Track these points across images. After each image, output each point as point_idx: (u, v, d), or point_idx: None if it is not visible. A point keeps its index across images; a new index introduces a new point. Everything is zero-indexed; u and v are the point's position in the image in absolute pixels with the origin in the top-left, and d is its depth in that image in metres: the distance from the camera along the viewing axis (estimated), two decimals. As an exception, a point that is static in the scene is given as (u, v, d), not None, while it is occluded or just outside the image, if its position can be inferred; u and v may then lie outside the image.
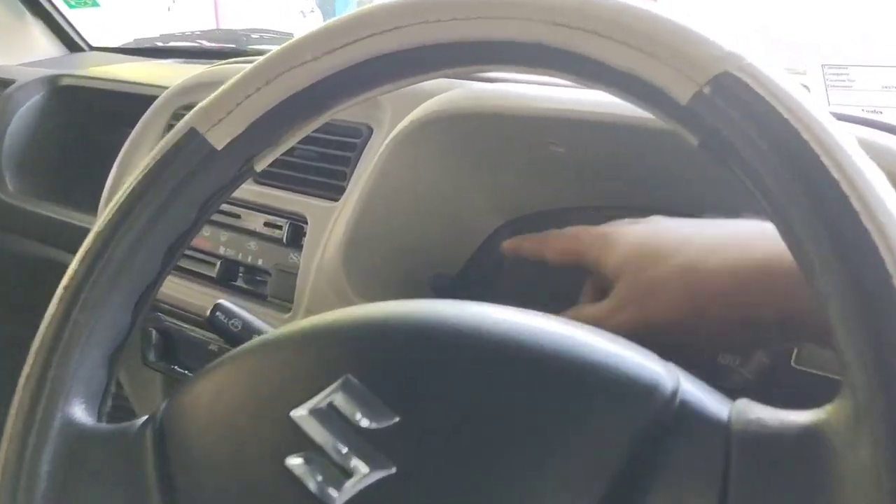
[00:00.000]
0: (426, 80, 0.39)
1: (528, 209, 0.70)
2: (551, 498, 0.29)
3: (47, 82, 1.09)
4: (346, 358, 0.34)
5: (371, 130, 0.65)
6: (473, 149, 0.62)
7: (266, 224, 0.69)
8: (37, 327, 0.42)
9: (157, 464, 0.37)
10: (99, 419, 0.41)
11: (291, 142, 0.43)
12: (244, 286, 0.71)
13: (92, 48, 1.29)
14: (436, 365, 0.33)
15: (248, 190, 0.70)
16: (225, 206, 0.72)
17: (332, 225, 0.61)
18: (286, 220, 0.67)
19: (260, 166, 0.43)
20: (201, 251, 0.72)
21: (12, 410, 0.41)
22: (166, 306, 0.75)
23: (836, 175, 0.27)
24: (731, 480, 0.28)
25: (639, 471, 0.29)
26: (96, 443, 0.40)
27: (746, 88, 0.29)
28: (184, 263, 0.73)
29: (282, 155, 0.68)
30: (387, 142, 0.59)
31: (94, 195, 0.86)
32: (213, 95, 0.41)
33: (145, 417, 0.40)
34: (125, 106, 0.92)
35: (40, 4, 1.22)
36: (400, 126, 0.59)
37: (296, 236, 0.66)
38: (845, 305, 0.26)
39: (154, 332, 0.76)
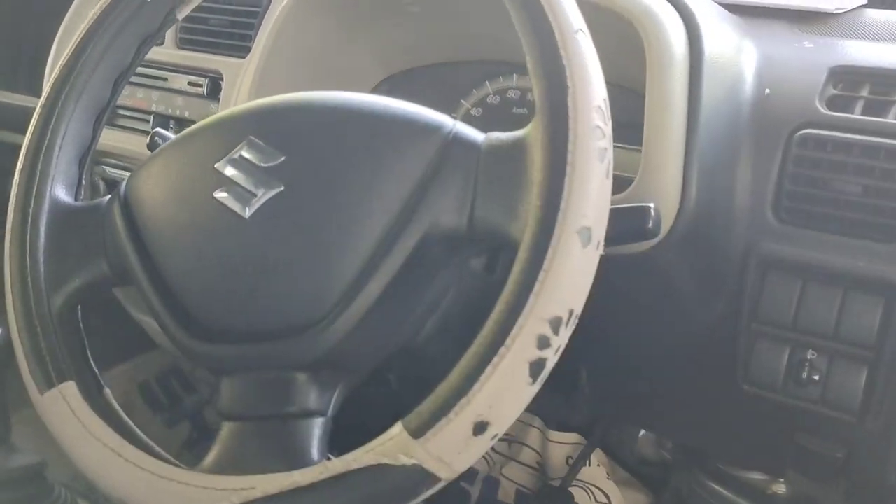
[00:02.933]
0: None
1: (403, 66, 0.87)
2: (368, 204, 0.47)
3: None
4: (248, 126, 0.51)
5: (270, 0, 0.81)
6: (351, 12, 0.78)
7: (189, 83, 0.85)
8: None
9: (125, 223, 0.53)
10: (76, 201, 0.58)
11: None
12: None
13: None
14: (306, 124, 0.50)
15: (173, 54, 0.85)
16: (154, 71, 0.87)
17: (242, 77, 0.78)
18: (206, 78, 0.83)
19: (181, 15, 0.59)
20: (137, 109, 0.88)
21: (12, 194, 0.56)
22: (112, 159, 0.90)
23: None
24: (479, 176, 0.46)
25: (425, 186, 0.47)
26: (77, 215, 0.56)
27: None
28: (123, 122, 0.89)
29: (199, 24, 0.85)
30: (281, 6, 0.76)
31: (35, 79, 0.99)
32: None
33: (109, 196, 0.56)
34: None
35: None
36: (290, -7, 0.76)
37: (214, 90, 0.82)
38: (532, 62, 0.44)
39: (101, 181, 0.92)
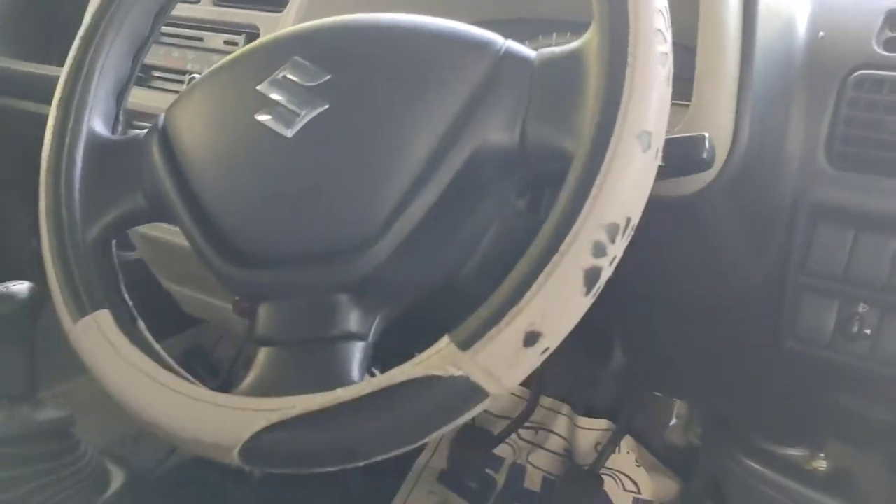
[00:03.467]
0: None
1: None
2: (415, 122, 0.46)
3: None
4: (292, 47, 0.50)
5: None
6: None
7: (225, 42, 0.84)
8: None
9: (163, 154, 0.52)
10: (113, 133, 0.57)
11: None
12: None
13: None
14: (351, 42, 0.49)
15: (210, 10, 0.85)
16: (190, 32, 0.87)
17: (279, 30, 0.77)
18: (242, 34, 0.82)
19: None
20: (172, 70, 0.87)
21: (49, 125, 0.56)
22: (146, 122, 0.90)
23: None
24: (532, 90, 0.45)
25: (475, 103, 0.46)
26: (114, 147, 0.55)
27: None
28: (158, 84, 0.88)
29: None
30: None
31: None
32: None
33: (148, 128, 0.55)
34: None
35: None
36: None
37: (250, 45, 0.81)
38: None
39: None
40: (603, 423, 1.22)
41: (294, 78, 0.48)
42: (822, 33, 0.62)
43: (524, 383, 1.26)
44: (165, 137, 0.53)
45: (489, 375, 0.39)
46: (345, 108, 0.47)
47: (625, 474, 1.19)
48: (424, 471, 1.28)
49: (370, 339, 0.47)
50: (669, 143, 0.46)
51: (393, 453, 0.41)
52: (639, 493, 1.18)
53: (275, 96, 0.48)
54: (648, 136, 0.40)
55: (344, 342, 0.46)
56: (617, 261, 0.40)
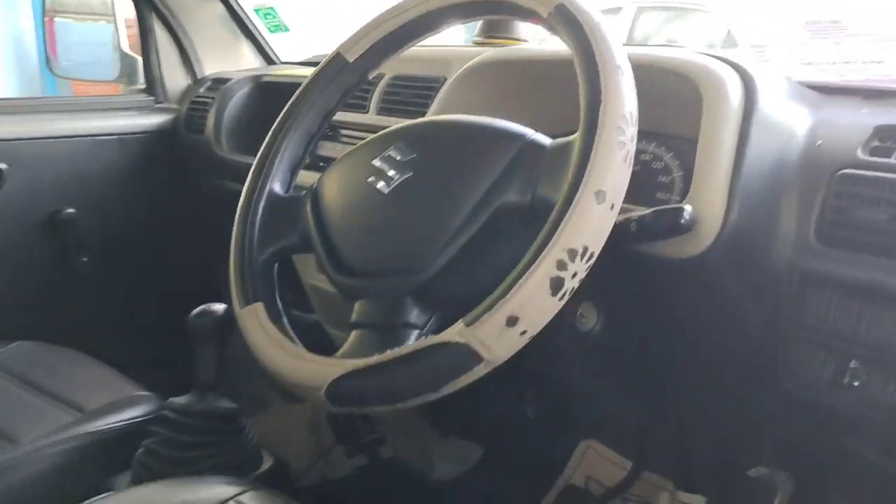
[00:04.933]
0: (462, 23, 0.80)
1: (547, 131, 1.08)
2: (465, 187, 0.68)
3: (252, 80, 1.60)
4: (398, 136, 0.75)
5: (444, 79, 1.07)
6: (506, 86, 1.01)
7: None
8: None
9: (312, 208, 0.78)
10: (286, 192, 0.84)
11: (393, 57, 0.84)
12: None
13: (282, 62, 1.80)
14: (432, 133, 0.74)
15: (373, 118, 1.13)
16: (355, 133, 1.15)
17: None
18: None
19: (370, 76, 0.85)
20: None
21: (245, 188, 0.83)
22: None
23: (588, 36, 0.65)
24: (542, 167, 0.66)
25: (505, 174, 0.67)
26: (284, 202, 0.82)
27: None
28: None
29: (393, 95, 1.14)
30: (449, 81, 1.01)
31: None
32: (358, 28, 0.83)
33: (305, 190, 0.81)
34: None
35: (249, 30, 1.75)
36: (457, 71, 1.01)
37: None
38: (582, 87, 0.64)
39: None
40: (702, 500, 1.30)
41: (393, 154, 0.73)
42: (819, 142, 0.77)
43: (626, 455, 1.38)
44: (316, 197, 0.79)
45: (482, 344, 0.59)
46: (422, 175, 0.70)
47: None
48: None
49: (425, 330, 0.68)
50: (657, 213, 0.65)
51: (420, 399, 0.61)
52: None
53: (380, 166, 0.73)
54: (604, 193, 0.59)
55: (405, 329, 0.67)
56: (578, 278, 0.59)
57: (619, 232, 0.70)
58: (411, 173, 0.71)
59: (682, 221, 0.68)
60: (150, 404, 1.13)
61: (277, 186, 0.83)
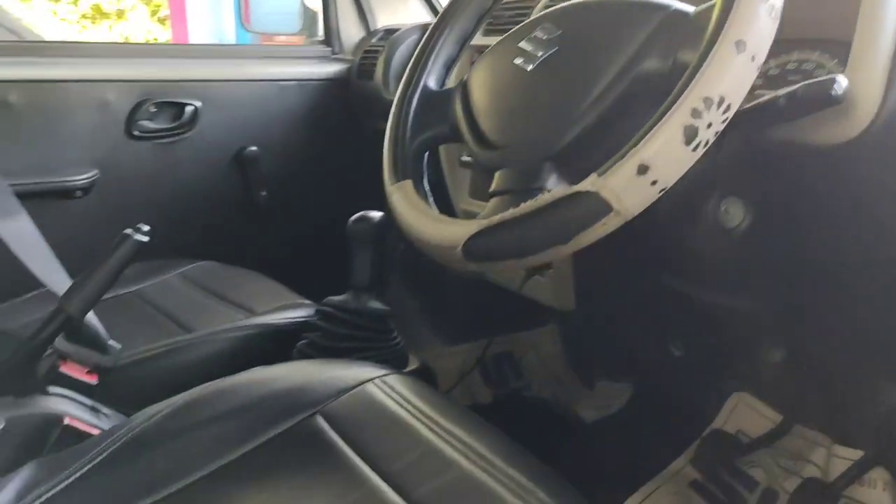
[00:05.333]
0: None
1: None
2: (608, 59, 0.69)
3: (419, 28, 1.67)
4: (546, 16, 0.77)
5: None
6: None
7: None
8: None
9: (462, 100, 0.82)
10: (439, 88, 0.88)
11: None
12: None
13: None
14: (578, 11, 0.75)
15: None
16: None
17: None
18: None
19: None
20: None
21: (402, 82, 0.89)
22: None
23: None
24: (686, 32, 0.66)
25: (648, 44, 0.68)
26: (436, 95, 0.86)
27: None
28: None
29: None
30: None
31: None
32: None
33: (458, 83, 0.86)
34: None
35: (417, -13, 1.84)
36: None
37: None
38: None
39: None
40: (859, 454, 1.23)
41: (540, 35, 0.75)
42: None
43: (779, 409, 1.33)
44: (465, 88, 0.83)
45: (613, 193, 0.60)
46: (566, 49, 0.73)
47: (869, 508, 1.19)
48: (677, 476, 1.39)
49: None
50: (807, 85, 0.64)
51: (552, 252, 0.64)
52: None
53: (526, 46, 0.76)
54: (744, 43, 0.59)
55: (541, 193, 0.70)
56: (714, 128, 0.59)
57: (768, 109, 0.69)
58: (556, 48, 0.73)
59: (834, 93, 0.65)
60: (312, 310, 1.22)
61: (432, 82, 0.88)
